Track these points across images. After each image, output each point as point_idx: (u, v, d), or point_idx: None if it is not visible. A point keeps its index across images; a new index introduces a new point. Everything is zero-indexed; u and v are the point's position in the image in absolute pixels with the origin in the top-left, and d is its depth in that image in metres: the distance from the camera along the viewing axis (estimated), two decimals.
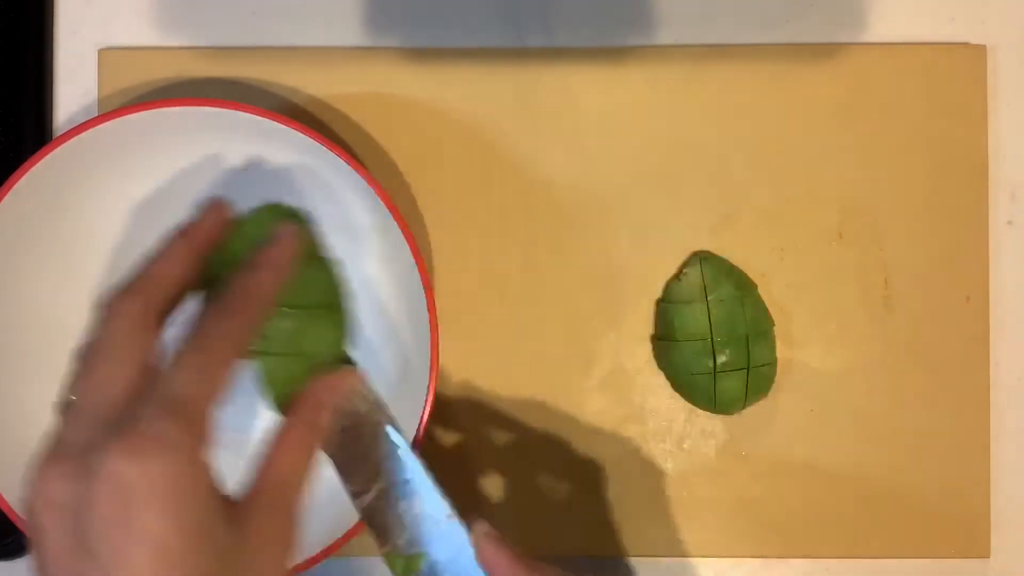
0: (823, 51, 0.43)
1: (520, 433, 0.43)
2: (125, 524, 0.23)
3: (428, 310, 0.36)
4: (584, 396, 0.43)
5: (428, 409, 0.36)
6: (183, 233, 0.30)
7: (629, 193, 0.43)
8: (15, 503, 0.36)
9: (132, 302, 0.28)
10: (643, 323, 0.43)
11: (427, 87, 0.43)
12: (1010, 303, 0.43)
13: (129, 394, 0.26)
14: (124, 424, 0.24)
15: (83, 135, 0.36)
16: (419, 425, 0.36)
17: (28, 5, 0.43)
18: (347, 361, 0.35)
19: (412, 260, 0.36)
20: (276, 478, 0.28)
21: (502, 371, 0.43)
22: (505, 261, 0.43)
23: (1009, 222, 0.44)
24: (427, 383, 0.36)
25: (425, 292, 0.36)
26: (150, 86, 0.43)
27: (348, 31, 0.44)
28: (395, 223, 0.36)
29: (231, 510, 0.26)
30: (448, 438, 0.43)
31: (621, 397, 0.43)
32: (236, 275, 0.30)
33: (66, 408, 0.27)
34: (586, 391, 0.43)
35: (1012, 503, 0.43)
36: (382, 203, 0.36)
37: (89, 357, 0.27)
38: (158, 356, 0.28)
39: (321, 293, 0.34)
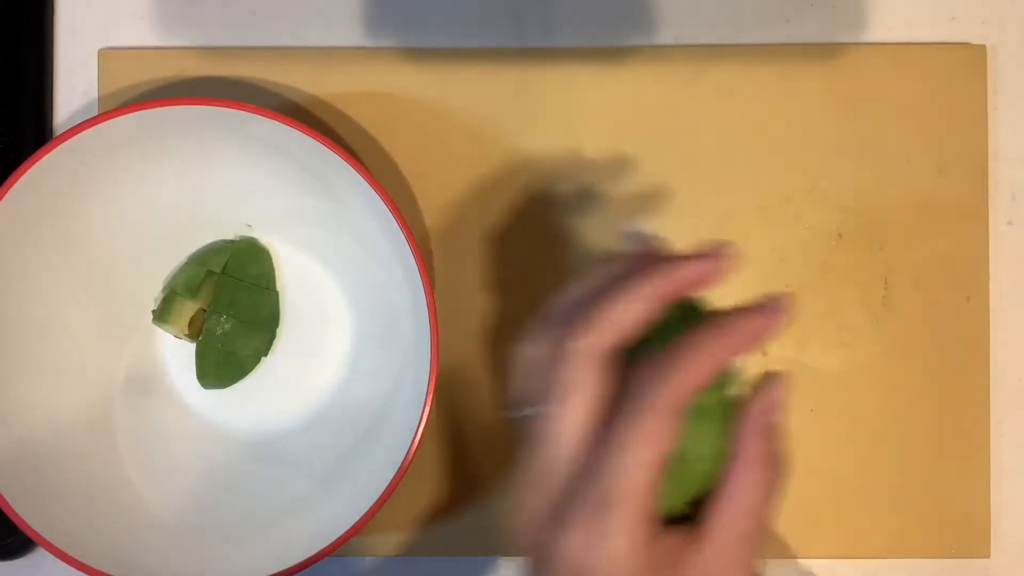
0: (823, 51, 0.43)
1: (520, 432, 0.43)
2: None
3: (428, 308, 0.36)
4: None
5: (428, 408, 0.36)
6: (660, 275, 0.27)
7: (629, 193, 0.43)
8: (14, 502, 0.36)
9: (591, 345, 0.26)
10: None
11: (427, 87, 0.43)
12: (1010, 303, 0.43)
13: (584, 453, 0.26)
14: (576, 512, 0.25)
15: (83, 135, 0.36)
16: (419, 423, 0.36)
17: (28, 5, 0.43)
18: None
19: (413, 261, 0.36)
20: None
21: (502, 371, 0.43)
22: (505, 261, 0.43)
23: (1009, 222, 0.44)
24: (427, 383, 0.36)
25: (425, 292, 0.36)
26: (150, 86, 0.43)
27: (348, 31, 0.44)
28: (396, 223, 0.36)
29: None
30: (449, 437, 0.43)
31: None
32: (691, 335, 0.26)
33: (525, 424, 0.28)
34: None
35: (1012, 503, 0.43)
36: (382, 203, 0.36)
37: (550, 395, 0.27)
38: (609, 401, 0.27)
39: (259, 312, 0.42)
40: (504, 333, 0.43)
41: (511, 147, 0.43)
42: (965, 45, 0.43)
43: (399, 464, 0.36)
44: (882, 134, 0.43)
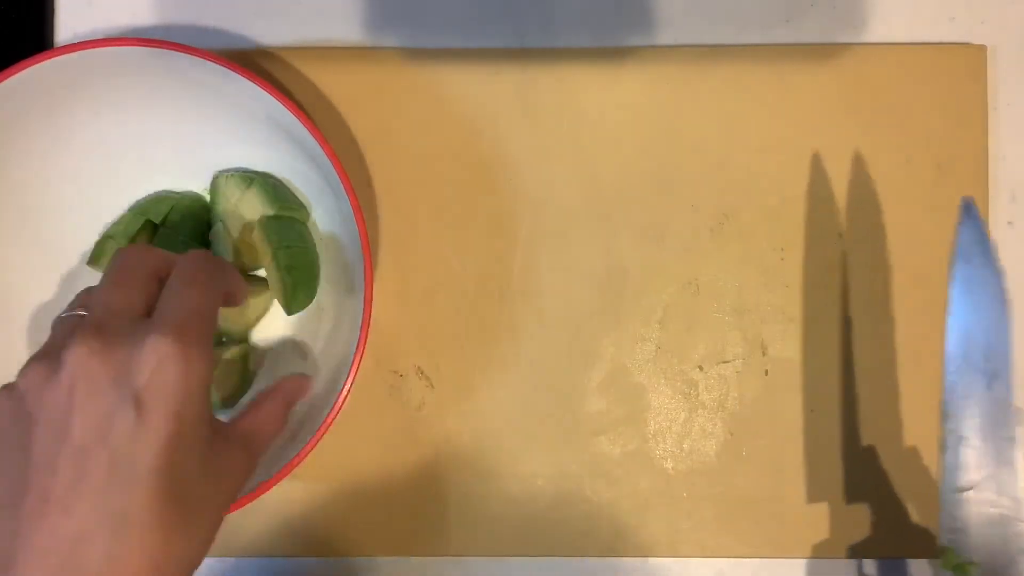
0: (823, 51, 0.43)
1: (519, 433, 0.43)
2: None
3: (364, 282, 0.36)
4: (584, 396, 0.43)
5: (356, 365, 0.36)
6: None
7: (629, 193, 0.43)
8: None
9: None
10: (643, 323, 0.43)
11: (427, 87, 0.43)
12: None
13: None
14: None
15: (32, 69, 0.35)
16: (347, 380, 0.36)
17: (28, 5, 0.43)
18: None
19: (359, 237, 0.36)
20: (253, 428, 0.34)
21: (502, 371, 0.43)
22: (505, 261, 0.43)
23: (1009, 223, 0.44)
24: (352, 357, 0.36)
25: (365, 277, 0.36)
26: None
27: (348, 31, 0.44)
28: (347, 197, 0.36)
29: (215, 430, 0.31)
30: (447, 437, 0.43)
31: (621, 397, 0.43)
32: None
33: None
34: (586, 391, 0.43)
35: None
36: (336, 172, 0.36)
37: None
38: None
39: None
40: (504, 332, 0.43)
41: (511, 147, 0.43)
42: (965, 45, 0.43)
43: (325, 416, 0.36)
44: (882, 134, 0.43)
